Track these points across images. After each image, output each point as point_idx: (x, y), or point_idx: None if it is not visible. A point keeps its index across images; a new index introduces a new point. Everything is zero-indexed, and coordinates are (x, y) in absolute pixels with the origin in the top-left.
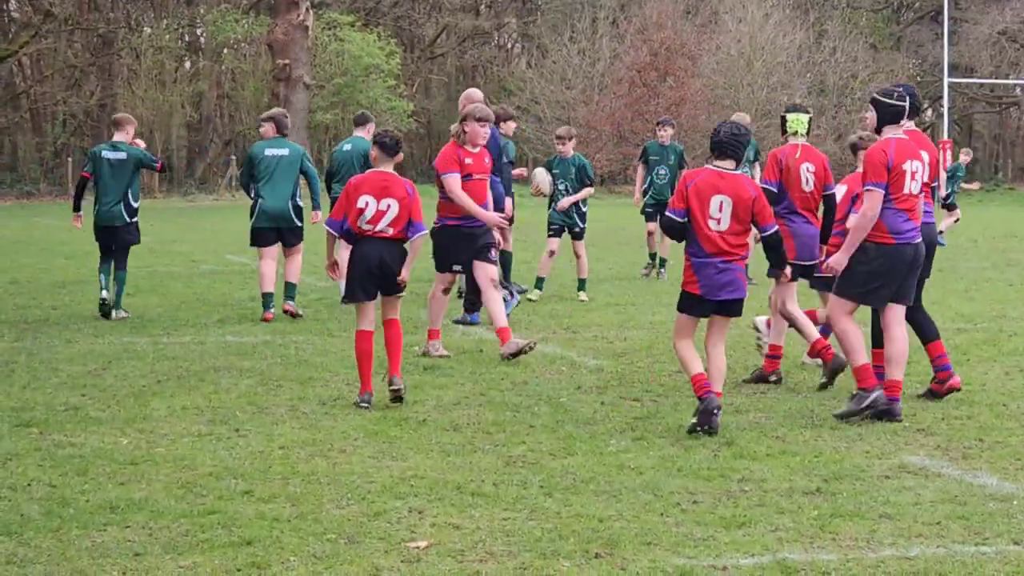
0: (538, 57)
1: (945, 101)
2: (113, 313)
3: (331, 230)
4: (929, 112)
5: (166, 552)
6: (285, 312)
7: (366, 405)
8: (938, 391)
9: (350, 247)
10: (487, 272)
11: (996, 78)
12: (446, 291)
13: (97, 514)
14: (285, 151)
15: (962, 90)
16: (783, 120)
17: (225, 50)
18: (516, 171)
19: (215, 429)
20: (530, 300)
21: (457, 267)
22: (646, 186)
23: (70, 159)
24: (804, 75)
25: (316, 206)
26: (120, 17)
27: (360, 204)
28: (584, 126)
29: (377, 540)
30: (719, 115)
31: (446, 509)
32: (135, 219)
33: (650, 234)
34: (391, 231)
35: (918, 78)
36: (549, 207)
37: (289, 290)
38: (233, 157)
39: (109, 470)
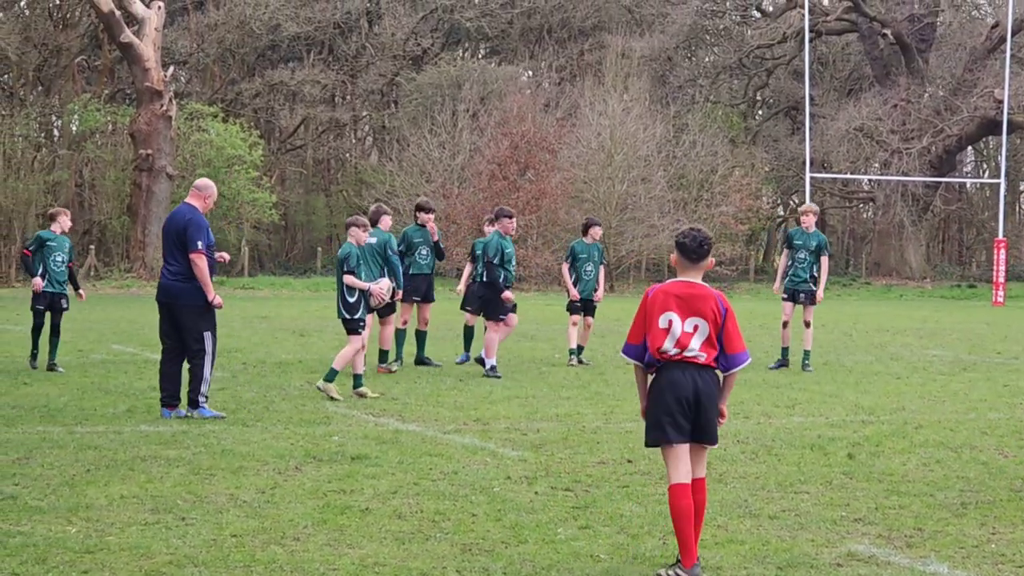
0: (397, 150)
1: (807, 196)
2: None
3: (630, 359)
4: (781, 208)
5: None
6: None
7: None
8: None
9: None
10: None
11: (851, 173)
12: None
13: None
14: (373, 239)
15: (818, 184)
16: None
17: (88, 140)
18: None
19: (161, 518)
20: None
21: None
22: (573, 279)
23: None
24: (665, 168)
25: (397, 285)
26: None
27: (662, 324)
28: (443, 219)
29: None
30: (579, 208)
31: None
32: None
33: (574, 324)
34: (703, 356)
35: (775, 172)
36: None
37: (382, 356)
38: (92, 247)
39: (67, 559)
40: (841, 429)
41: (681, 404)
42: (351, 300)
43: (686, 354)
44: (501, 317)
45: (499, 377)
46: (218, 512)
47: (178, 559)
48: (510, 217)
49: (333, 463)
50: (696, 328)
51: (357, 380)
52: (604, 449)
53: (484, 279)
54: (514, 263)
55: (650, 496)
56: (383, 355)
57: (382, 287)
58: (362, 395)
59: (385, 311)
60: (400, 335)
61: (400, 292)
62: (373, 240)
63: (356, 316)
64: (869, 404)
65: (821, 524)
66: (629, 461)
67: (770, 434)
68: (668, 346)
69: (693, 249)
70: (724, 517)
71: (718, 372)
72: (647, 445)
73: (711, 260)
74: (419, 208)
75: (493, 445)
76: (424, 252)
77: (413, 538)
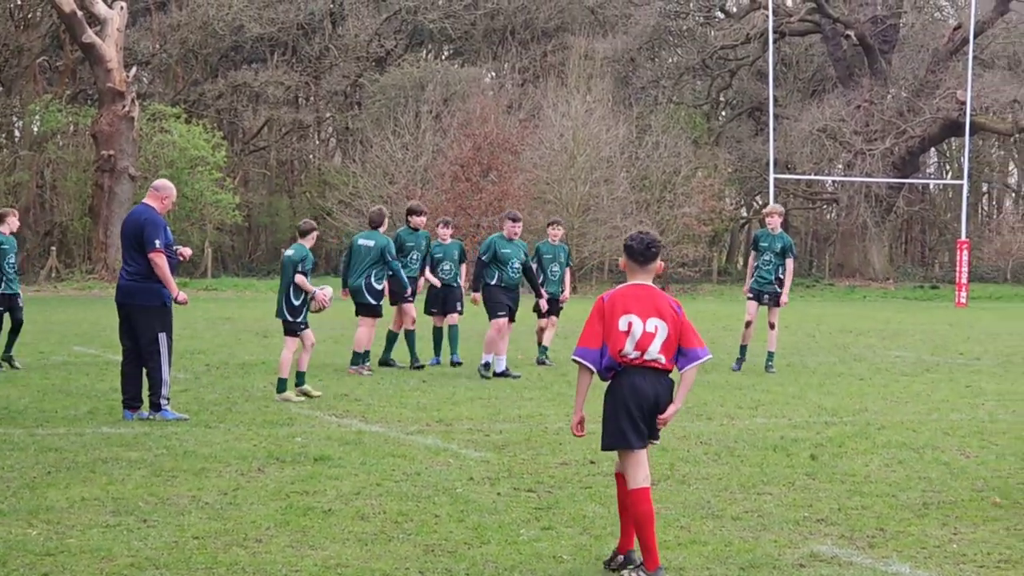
0: (361, 151)
1: (771, 197)
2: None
3: (584, 361)
4: (744, 209)
5: None
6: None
7: None
8: None
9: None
10: None
11: (815, 174)
12: None
13: None
14: (372, 242)
15: (782, 186)
16: None
17: (49, 141)
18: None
19: (122, 520)
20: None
21: None
22: (540, 279)
23: None
24: (627, 169)
25: (402, 286)
26: None
27: (622, 326)
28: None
29: None
30: (541, 210)
31: None
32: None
33: (542, 329)
34: (663, 359)
35: (739, 173)
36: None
37: (354, 358)
38: (53, 248)
39: (27, 561)
40: (804, 430)
41: (643, 410)
42: (296, 303)
43: (646, 357)
44: (499, 314)
45: (488, 377)
46: (180, 514)
47: (139, 561)
48: (513, 220)
49: (296, 464)
50: (656, 329)
51: (300, 377)
52: (567, 450)
53: (491, 280)
54: (515, 264)
55: (613, 497)
56: (355, 357)
57: (326, 294)
58: (305, 393)
59: (368, 313)
60: (410, 336)
61: (408, 290)
62: (371, 243)
63: (298, 319)
64: (832, 405)
65: (784, 525)
66: (592, 462)
67: (733, 435)
68: (628, 348)
69: (641, 251)
70: (687, 518)
71: (675, 372)
72: (604, 449)
73: (660, 263)
74: (411, 212)
75: (456, 446)
76: (415, 256)
77: (376, 539)
